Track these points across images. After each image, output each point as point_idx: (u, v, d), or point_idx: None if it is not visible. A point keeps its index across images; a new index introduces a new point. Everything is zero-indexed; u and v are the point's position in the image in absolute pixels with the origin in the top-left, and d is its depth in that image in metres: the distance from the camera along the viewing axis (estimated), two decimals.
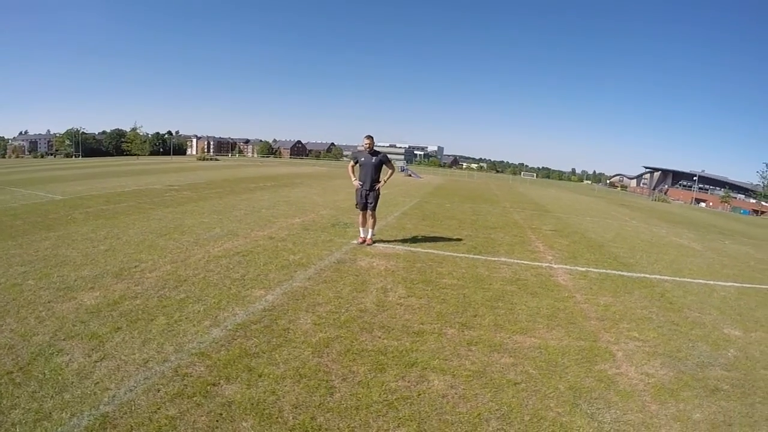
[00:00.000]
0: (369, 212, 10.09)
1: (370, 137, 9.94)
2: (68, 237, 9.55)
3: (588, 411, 4.11)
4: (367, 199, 9.99)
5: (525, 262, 9.65)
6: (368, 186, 9.94)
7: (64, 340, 4.82)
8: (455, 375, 4.57)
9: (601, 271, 9.53)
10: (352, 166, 10.44)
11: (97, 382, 4.03)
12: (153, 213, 13.14)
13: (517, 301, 7.01)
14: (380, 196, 10.33)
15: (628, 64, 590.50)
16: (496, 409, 4.01)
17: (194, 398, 3.86)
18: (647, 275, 9.57)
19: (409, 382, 4.37)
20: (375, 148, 10.08)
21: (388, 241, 10.66)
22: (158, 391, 3.95)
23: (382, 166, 10.10)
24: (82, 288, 6.42)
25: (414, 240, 11.16)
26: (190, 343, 4.87)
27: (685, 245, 15.24)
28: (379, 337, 5.31)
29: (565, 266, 9.64)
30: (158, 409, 3.69)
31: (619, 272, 9.56)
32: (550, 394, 4.35)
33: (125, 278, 6.92)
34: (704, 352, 5.75)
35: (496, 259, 9.75)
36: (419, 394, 4.16)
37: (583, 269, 9.51)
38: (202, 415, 3.64)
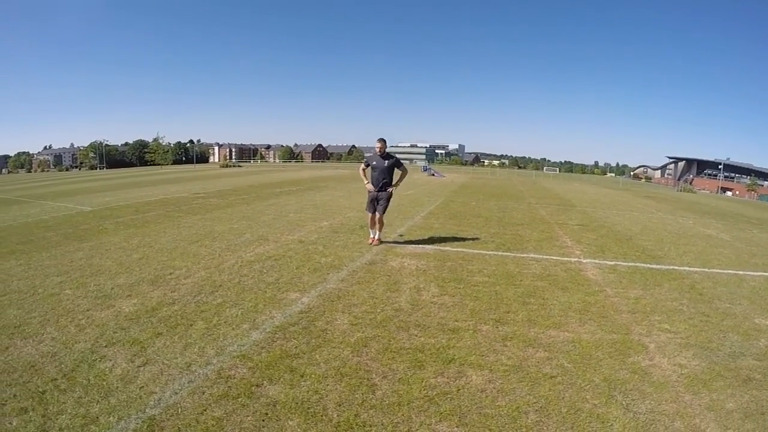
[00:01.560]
0: (378, 215, 10.03)
1: (382, 140, 10.05)
2: (101, 247, 9.82)
3: (623, 402, 4.18)
4: (377, 203, 9.95)
5: (554, 258, 9.69)
6: (379, 189, 9.95)
7: (105, 346, 4.98)
8: (492, 370, 4.66)
9: (630, 264, 9.52)
10: (363, 170, 10.39)
11: (142, 386, 4.17)
12: (182, 221, 13.42)
13: (549, 296, 7.08)
14: (391, 199, 10.23)
15: (648, 53, 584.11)
16: (534, 402, 4.10)
17: (239, 399, 3.99)
18: (676, 267, 9.53)
19: (448, 378, 4.48)
20: (388, 151, 10.15)
21: (418, 242, 10.75)
22: (203, 393, 4.08)
23: (394, 169, 10.13)
24: (119, 296, 6.61)
25: (442, 239, 11.23)
26: (231, 346, 5.02)
27: (712, 236, 15.07)
28: (416, 336, 5.42)
29: (593, 260, 9.66)
30: (204, 410, 3.82)
31: (648, 265, 9.54)
32: (585, 386, 4.43)
33: (161, 285, 7.11)
34: (735, 342, 5.75)
35: (524, 255, 9.81)
36: (458, 390, 4.27)
37: (612, 263, 9.51)
38: (248, 416, 3.76)
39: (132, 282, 7.25)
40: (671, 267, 9.52)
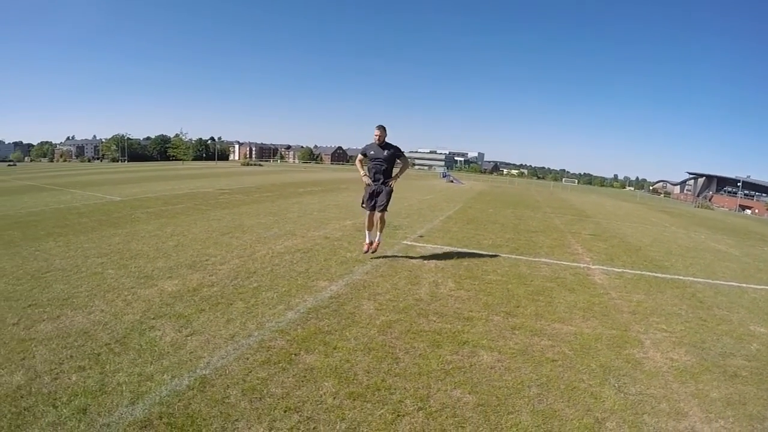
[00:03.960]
0: (378, 213, 8.87)
1: (381, 127, 8.72)
2: (136, 234, 10.45)
3: (616, 385, 4.70)
4: (377, 199, 8.86)
5: (564, 263, 10.12)
6: (379, 182, 8.85)
7: (153, 318, 5.54)
8: (501, 352, 5.22)
9: (636, 272, 9.90)
10: (360, 160, 9.33)
11: (191, 352, 4.74)
12: (211, 214, 14.05)
13: (556, 295, 7.57)
14: (392, 194, 9.03)
15: (674, 67, 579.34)
16: (536, 379, 4.66)
17: (280, 364, 4.57)
18: (681, 277, 9.88)
19: (462, 356, 5.06)
20: (387, 140, 8.88)
21: (437, 243, 11.24)
22: (247, 359, 4.66)
23: (394, 160, 8.93)
24: (160, 277, 7.20)
25: (460, 241, 11.73)
26: (269, 322, 5.60)
27: (722, 250, 15.29)
28: (434, 321, 6.00)
29: (602, 267, 10.07)
30: (250, 372, 4.40)
31: (654, 274, 9.90)
32: (583, 370, 4.97)
33: (199, 269, 7.70)
34: (728, 344, 6.12)
35: (536, 259, 10.27)
36: (471, 366, 4.84)
37: (619, 270, 9.91)
38: (289, 377, 4.34)
39: (171, 266, 7.84)
40: (676, 276, 9.87)
